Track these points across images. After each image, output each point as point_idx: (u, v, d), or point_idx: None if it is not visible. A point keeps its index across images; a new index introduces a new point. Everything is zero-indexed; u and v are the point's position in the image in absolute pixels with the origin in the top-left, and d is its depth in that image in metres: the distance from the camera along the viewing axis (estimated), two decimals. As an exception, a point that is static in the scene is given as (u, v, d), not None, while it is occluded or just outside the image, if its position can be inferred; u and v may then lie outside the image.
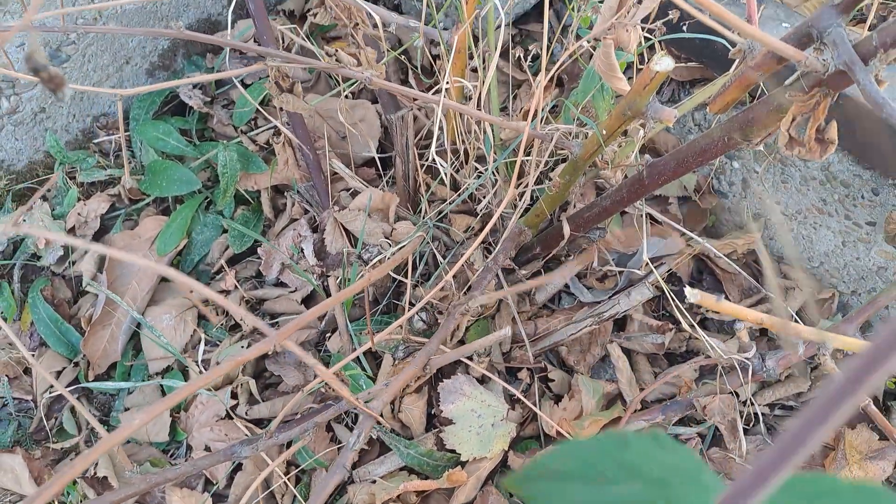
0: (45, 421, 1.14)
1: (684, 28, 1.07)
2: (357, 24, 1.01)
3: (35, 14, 0.86)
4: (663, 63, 0.74)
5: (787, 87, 0.71)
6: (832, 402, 0.18)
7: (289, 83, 0.88)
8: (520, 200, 1.07)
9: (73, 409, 1.15)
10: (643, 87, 0.77)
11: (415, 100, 1.25)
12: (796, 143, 0.70)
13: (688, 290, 0.63)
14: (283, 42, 1.41)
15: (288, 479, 1.03)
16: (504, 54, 1.30)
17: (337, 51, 0.82)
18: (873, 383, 0.18)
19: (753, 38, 0.60)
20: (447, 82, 0.98)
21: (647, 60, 1.13)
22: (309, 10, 1.54)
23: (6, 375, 1.17)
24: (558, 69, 0.95)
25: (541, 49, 0.93)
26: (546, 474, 0.22)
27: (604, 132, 0.86)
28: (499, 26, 1.26)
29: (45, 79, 0.34)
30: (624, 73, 0.87)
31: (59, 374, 1.17)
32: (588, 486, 0.22)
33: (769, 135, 0.76)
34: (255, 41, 1.46)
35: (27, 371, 1.19)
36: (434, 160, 1.11)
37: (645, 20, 0.86)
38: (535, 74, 1.33)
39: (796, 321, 1.20)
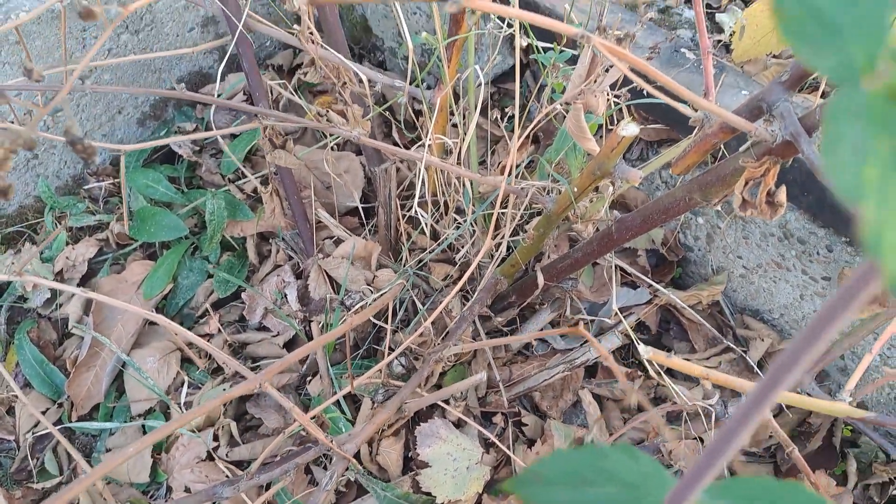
0: (27, 461, 1.16)
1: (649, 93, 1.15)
2: (345, 83, 1.07)
3: (39, 70, 0.91)
4: (629, 129, 0.80)
5: (741, 153, 0.77)
6: (737, 422, 0.23)
7: (281, 140, 0.93)
8: (496, 251, 1.13)
9: (55, 450, 1.17)
10: (611, 150, 0.83)
11: (396, 155, 1.31)
12: (749, 205, 0.76)
13: (641, 347, 0.68)
14: (272, 95, 1.47)
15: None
16: (483, 111, 1.37)
17: (328, 111, 0.87)
18: (761, 415, 0.24)
19: (708, 111, 0.67)
20: (429, 139, 1.04)
21: (615, 122, 1.21)
22: (297, 66, 1.60)
23: (-9, 415, 1.19)
24: (533, 128, 1.01)
25: (517, 109, 0.99)
26: (537, 479, 0.28)
27: (575, 190, 0.92)
28: (478, 85, 1.33)
29: (80, 150, 0.39)
30: (595, 134, 0.94)
31: (42, 414, 1.19)
32: (572, 488, 0.27)
33: (726, 196, 0.82)
34: (244, 93, 1.52)
35: (10, 411, 1.21)
36: (416, 211, 1.17)
37: (612, 86, 0.92)
38: (512, 132, 1.40)
39: (758, 371, 1.26)
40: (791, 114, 0.69)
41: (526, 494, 0.28)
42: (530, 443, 1.19)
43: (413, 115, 1.47)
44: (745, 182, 0.74)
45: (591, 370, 1.25)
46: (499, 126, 1.42)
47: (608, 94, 0.92)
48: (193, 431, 1.12)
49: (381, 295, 1.11)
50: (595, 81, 0.90)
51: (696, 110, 0.84)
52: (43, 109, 0.39)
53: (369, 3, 1.54)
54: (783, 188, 0.74)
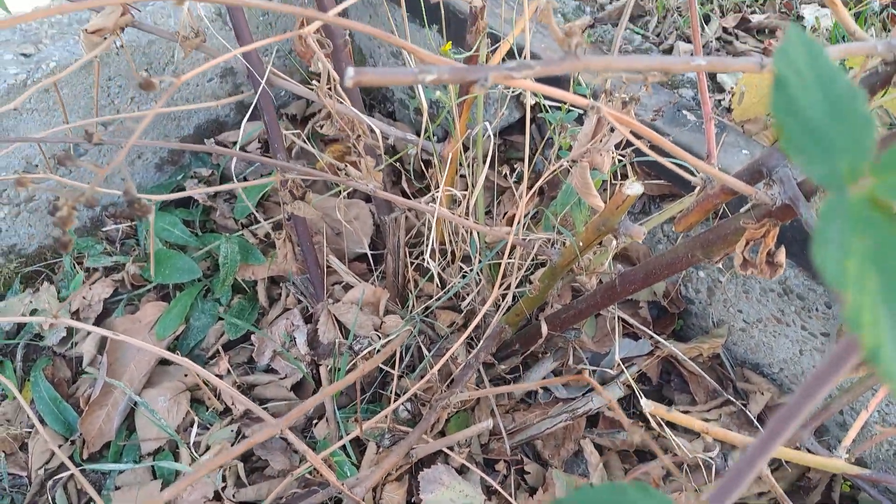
0: (38, 497, 1.18)
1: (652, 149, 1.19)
2: (359, 136, 1.11)
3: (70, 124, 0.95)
4: (634, 188, 0.84)
5: (742, 214, 0.81)
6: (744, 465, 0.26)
7: (301, 192, 0.97)
8: (502, 301, 1.16)
9: (66, 486, 1.19)
10: (616, 208, 0.87)
11: (409, 198, 1.35)
12: (750, 264, 0.79)
13: (643, 401, 0.71)
14: (286, 143, 1.51)
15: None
16: (490, 163, 1.41)
17: (346, 165, 0.91)
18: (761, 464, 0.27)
19: (711, 175, 0.70)
20: (439, 191, 1.08)
21: (619, 177, 1.25)
22: (310, 115, 1.65)
23: (3, 451, 1.21)
24: (539, 185, 1.05)
25: (523, 163, 1.03)
26: None
27: (580, 244, 0.96)
28: (486, 137, 1.38)
29: (137, 209, 0.43)
30: (599, 188, 0.98)
31: (53, 452, 1.22)
32: None
33: (727, 254, 0.86)
34: (258, 140, 1.57)
35: (23, 447, 1.23)
36: (426, 260, 1.20)
37: (617, 145, 0.96)
38: (518, 183, 1.44)
39: (758, 425, 1.28)
40: (790, 179, 0.73)
41: None
42: (532, 491, 1.20)
43: (422, 164, 1.52)
44: (746, 242, 0.78)
45: (593, 420, 1.28)
46: (506, 178, 1.46)
47: (613, 153, 0.96)
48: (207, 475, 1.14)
49: (389, 341, 1.13)
50: (601, 141, 0.94)
51: (699, 173, 0.88)
52: (102, 170, 0.42)
53: (381, 59, 1.60)
54: (782, 249, 0.77)
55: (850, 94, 0.27)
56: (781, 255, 0.78)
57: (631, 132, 0.71)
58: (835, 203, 0.23)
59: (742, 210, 0.81)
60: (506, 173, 1.12)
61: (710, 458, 1.14)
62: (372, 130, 1.12)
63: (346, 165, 0.90)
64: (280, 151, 1.08)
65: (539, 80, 0.41)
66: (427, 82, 0.32)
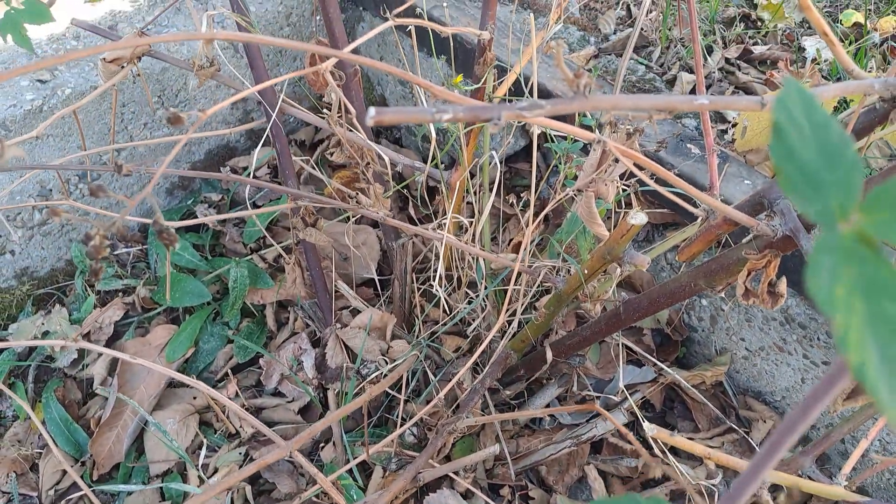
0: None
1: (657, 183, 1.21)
2: (368, 164, 1.14)
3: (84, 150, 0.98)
4: (638, 218, 0.86)
5: (744, 244, 0.82)
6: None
7: (313, 219, 0.99)
8: (508, 327, 1.17)
9: (75, 507, 1.20)
10: (621, 237, 0.89)
11: (418, 235, 1.37)
12: (751, 294, 0.81)
13: (646, 424, 0.72)
14: (294, 169, 1.54)
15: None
16: (496, 192, 1.44)
17: (358, 193, 0.93)
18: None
19: (711, 206, 0.72)
20: (447, 218, 1.10)
21: (623, 206, 1.27)
22: (319, 141, 1.68)
23: (14, 471, 1.22)
24: (544, 214, 1.07)
25: (529, 192, 1.05)
26: None
27: (585, 272, 0.97)
28: (492, 165, 1.40)
29: (165, 238, 0.45)
30: (603, 216, 1.00)
31: (64, 472, 1.23)
32: None
33: (729, 283, 0.87)
34: (268, 166, 1.60)
35: (33, 468, 1.24)
36: (432, 286, 1.22)
37: (622, 175, 0.98)
38: (524, 210, 1.46)
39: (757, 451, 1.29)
40: (791, 211, 0.75)
41: None
42: (536, 516, 1.21)
43: (428, 191, 1.54)
44: (748, 272, 0.79)
45: (597, 446, 1.29)
46: (512, 206, 1.49)
47: (618, 183, 0.98)
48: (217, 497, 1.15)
49: (396, 366, 1.15)
50: (605, 171, 0.96)
51: (702, 204, 0.90)
52: (131, 201, 0.44)
53: (388, 86, 1.63)
54: (784, 279, 0.79)
55: (841, 141, 0.30)
56: (783, 286, 0.80)
57: (635, 164, 0.73)
58: (827, 237, 0.26)
59: (744, 241, 0.83)
60: (512, 202, 1.14)
61: (713, 485, 1.15)
62: (381, 158, 1.15)
63: (357, 193, 0.92)
64: (291, 178, 1.11)
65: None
66: (444, 121, 0.34)
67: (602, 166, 0.97)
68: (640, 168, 0.99)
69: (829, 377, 0.27)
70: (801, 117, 0.29)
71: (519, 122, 1.44)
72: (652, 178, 0.73)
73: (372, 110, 0.33)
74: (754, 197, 0.80)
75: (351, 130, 1.14)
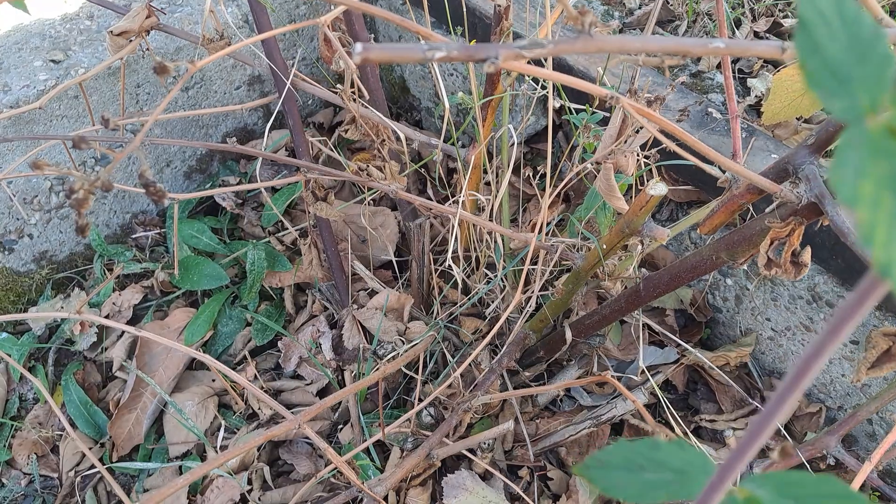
0: (69, 499, 1.20)
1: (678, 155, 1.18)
2: (384, 141, 1.12)
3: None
4: (658, 188, 0.83)
5: (767, 214, 0.80)
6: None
7: (323, 193, 0.98)
8: (526, 306, 1.15)
9: (95, 489, 1.20)
10: (640, 209, 0.86)
11: (431, 210, 1.36)
12: (774, 264, 0.78)
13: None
14: (313, 151, 1.53)
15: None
16: (515, 170, 1.42)
17: (368, 165, 0.92)
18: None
19: (735, 172, 0.70)
20: (463, 195, 1.08)
21: (644, 182, 1.24)
22: (337, 124, 1.67)
23: (35, 453, 1.23)
24: (565, 186, 1.05)
25: (545, 171, 1.03)
26: (601, 465, 0.33)
27: (604, 247, 0.95)
28: (511, 145, 1.38)
29: (153, 192, 0.43)
30: (624, 194, 0.97)
31: (84, 454, 1.23)
32: (630, 473, 0.32)
33: (751, 255, 0.85)
34: (286, 148, 1.59)
35: (54, 450, 1.25)
36: (449, 266, 1.20)
37: (643, 147, 0.96)
38: (544, 190, 1.44)
39: (785, 434, 1.26)
40: (816, 176, 0.72)
41: (591, 477, 0.33)
42: (555, 498, 1.19)
43: (447, 173, 1.52)
44: (771, 242, 0.77)
45: (618, 428, 1.26)
46: (531, 185, 1.46)
47: (638, 155, 0.95)
48: (230, 474, 1.14)
49: (413, 346, 1.14)
50: (625, 142, 0.94)
51: (725, 171, 0.87)
52: (119, 154, 0.43)
53: (408, 66, 1.61)
54: (808, 249, 0.76)
55: (873, 34, 0.28)
56: (806, 255, 0.77)
57: (658, 130, 0.71)
58: (853, 134, 0.24)
59: (767, 210, 0.80)
60: (529, 175, 1.11)
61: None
62: (396, 135, 1.13)
63: (368, 165, 0.91)
64: (304, 155, 1.10)
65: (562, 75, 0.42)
66: (436, 59, 0.32)
67: (621, 136, 0.95)
68: (665, 134, 0.96)
69: (842, 310, 0.26)
70: (829, 11, 0.27)
71: (539, 98, 1.42)
72: (675, 145, 0.70)
73: (358, 46, 0.31)
74: (779, 164, 0.77)
75: (366, 107, 1.13)
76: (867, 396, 1.21)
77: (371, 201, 1.50)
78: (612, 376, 1.22)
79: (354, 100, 1.08)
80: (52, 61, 1.24)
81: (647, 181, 0.85)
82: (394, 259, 1.40)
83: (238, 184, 1.54)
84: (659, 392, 1.10)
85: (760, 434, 0.28)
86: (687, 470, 0.33)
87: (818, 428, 1.24)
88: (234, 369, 1.34)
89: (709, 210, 0.89)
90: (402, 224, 1.41)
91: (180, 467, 1.21)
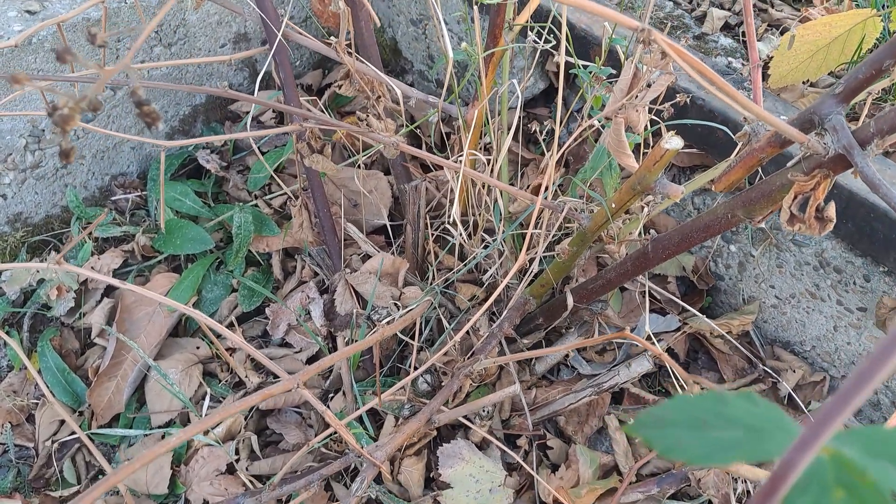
0: (45, 469, 1.15)
1: (690, 111, 1.14)
2: (379, 97, 1.07)
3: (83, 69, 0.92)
4: (673, 142, 0.79)
5: (789, 168, 0.76)
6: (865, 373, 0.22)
7: (320, 144, 0.93)
8: (528, 268, 1.11)
9: (74, 458, 1.15)
10: (653, 164, 0.82)
11: (427, 172, 1.31)
12: (797, 219, 0.74)
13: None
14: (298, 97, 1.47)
15: (287, 535, 1.04)
16: (514, 135, 1.37)
17: (368, 115, 0.87)
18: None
19: (762, 118, 0.65)
20: (463, 154, 1.03)
21: (652, 145, 1.20)
22: (326, 86, 1.61)
23: (9, 422, 1.17)
24: (569, 146, 1.00)
25: (552, 127, 0.98)
26: (659, 422, 0.28)
27: (613, 206, 0.91)
28: (510, 108, 1.33)
29: (145, 112, 0.38)
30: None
31: (62, 422, 1.18)
32: (693, 431, 0.28)
33: (770, 213, 0.81)
34: (273, 111, 1.53)
35: (30, 419, 1.19)
36: (445, 230, 1.16)
37: (654, 101, 0.91)
38: (542, 155, 1.39)
39: (788, 403, 1.23)
40: (844, 127, 0.68)
41: (647, 436, 0.28)
42: (554, 467, 1.16)
43: (443, 136, 1.47)
44: (794, 196, 0.73)
45: (618, 397, 1.23)
46: (532, 144, 1.42)
47: (649, 110, 0.91)
48: (218, 443, 1.10)
49: (410, 310, 1.09)
50: (636, 96, 0.89)
51: (735, 132, 0.83)
52: (107, 71, 0.38)
53: (400, 27, 1.55)
54: (832, 203, 0.73)
55: None
56: (831, 210, 0.73)
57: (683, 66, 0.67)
58: None
59: (789, 164, 0.76)
60: (535, 131, 1.06)
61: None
62: (392, 91, 1.08)
63: (367, 116, 0.86)
64: (296, 106, 1.04)
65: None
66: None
67: (633, 90, 0.90)
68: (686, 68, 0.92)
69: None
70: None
71: (538, 59, 1.37)
72: (698, 77, 0.66)
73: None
74: (804, 114, 0.73)
75: (361, 61, 1.08)
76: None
77: (363, 165, 1.45)
78: (614, 345, 1.19)
79: (349, 53, 1.03)
80: (28, 12, 1.18)
81: (656, 142, 0.81)
82: (387, 223, 1.35)
83: (223, 146, 1.48)
84: (665, 355, 1.06)
85: (873, 376, 0.24)
86: (762, 427, 0.29)
87: (822, 397, 1.21)
88: (219, 337, 1.29)
89: (725, 165, 0.85)
90: (396, 188, 1.36)
91: (163, 436, 1.16)
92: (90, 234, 1.35)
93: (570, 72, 1.00)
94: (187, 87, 0.79)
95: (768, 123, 0.67)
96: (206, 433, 1.13)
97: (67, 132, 0.36)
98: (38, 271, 1.31)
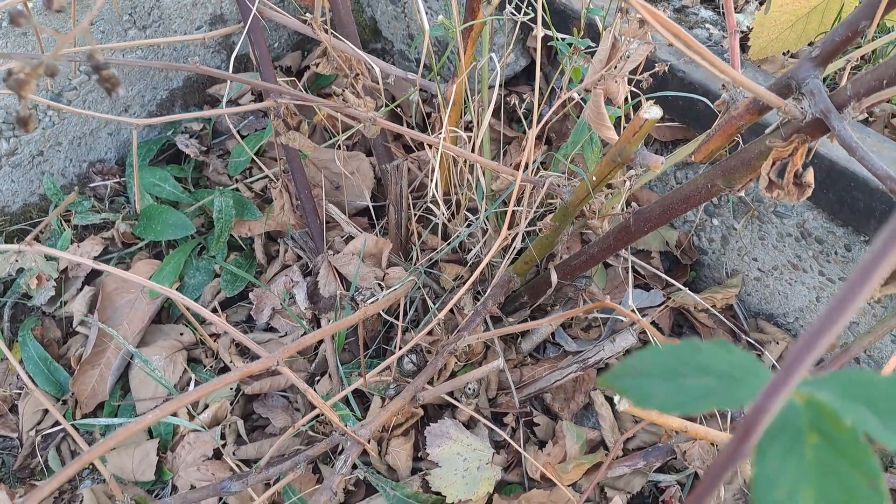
0: (30, 459, 1.14)
1: (668, 84, 1.14)
2: (357, 75, 1.06)
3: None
4: (652, 111, 0.79)
5: (768, 135, 0.76)
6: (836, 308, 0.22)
7: (296, 121, 0.92)
8: (510, 247, 1.11)
9: (58, 448, 1.14)
10: (633, 134, 0.82)
11: (411, 151, 1.30)
12: (776, 186, 0.74)
13: (617, 397, 0.67)
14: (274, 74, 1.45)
15: (274, 518, 1.03)
16: (495, 113, 1.36)
17: (344, 90, 0.86)
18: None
19: (739, 83, 0.65)
20: (444, 132, 1.02)
21: (633, 116, 1.19)
22: (305, 68, 1.60)
23: (-8, 412, 1.16)
24: (550, 118, 1.00)
25: (532, 100, 0.98)
26: (632, 372, 0.28)
27: (594, 179, 0.90)
28: (491, 86, 1.32)
29: (105, 77, 0.37)
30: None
31: (45, 412, 1.17)
32: (667, 381, 0.28)
33: (749, 181, 0.81)
34: (251, 93, 1.51)
35: (13, 409, 1.18)
36: (428, 209, 1.15)
37: (633, 72, 0.91)
38: (524, 133, 1.39)
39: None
40: (821, 91, 0.68)
41: (622, 387, 0.28)
42: (541, 444, 1.16)
43: (424, 115, 1.46)
44: (773, 162, 0.73)
45: (603, 373, 1.23)
46: (511, 128, 1.41)
47: (628, 81, 0.90)
48: (204, 428, 1.09)
49: (394, 290, 1.09)
50: (615, 67, 0.88)
51: (723, 91, 0.82)
52: (65, 36, 0.37)
53: (380, 6, 1.54)
54: (811, 169, 0.72)
55: None
56: (810, 176, 0.73)
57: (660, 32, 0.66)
58: None
59: (768, 131, 0.76)
60: (515, 103, 1.06)
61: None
62: (371, 70, 1.07)
63: (343, 91, 0.85)
64: (271, 80, 1.03)
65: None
66: None
67: (612, 61, 0.90)
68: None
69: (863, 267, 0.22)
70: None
71: (518, 37, 1.36)
72: (677, 44, 0.66)
73: None
74: (781, 80, 0.73)
75: (339, 38, 1.06)
76: (854, 335, 1.19)
77: (345, 147, 1.44)
78: (599, 321, 1.19)
79: (326, 31, 1.02)
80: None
81: (637, 112, 0.80)
82: (370, 204, 1.34)
83: (202, 129, 1.47)
84: (650, 328, 1.06)
85: (845, 308, 0.24)
86: (734, 374, 0.28)
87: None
88: (203, 323, 1.28)
89: (704, 136, 0.84)
90: (378, 169, 1.35)
91: (150, 427, 1.15)
92: (68, 221, 1.34)
93: (550, 44, 1.00)
94: (160, 64, 0.78)
95: (745, 88, 0.67)
96: (191, 418, 1.13)
97: (25, 98, 0.35)
98: (16, 260, 1.29)
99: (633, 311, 1.08)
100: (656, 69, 0.89)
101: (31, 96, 0.38)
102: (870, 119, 1.19)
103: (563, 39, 0.99)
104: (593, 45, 1.08)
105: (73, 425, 1.12)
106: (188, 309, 0.86)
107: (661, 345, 0.99)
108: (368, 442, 0.77)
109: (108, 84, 0.38)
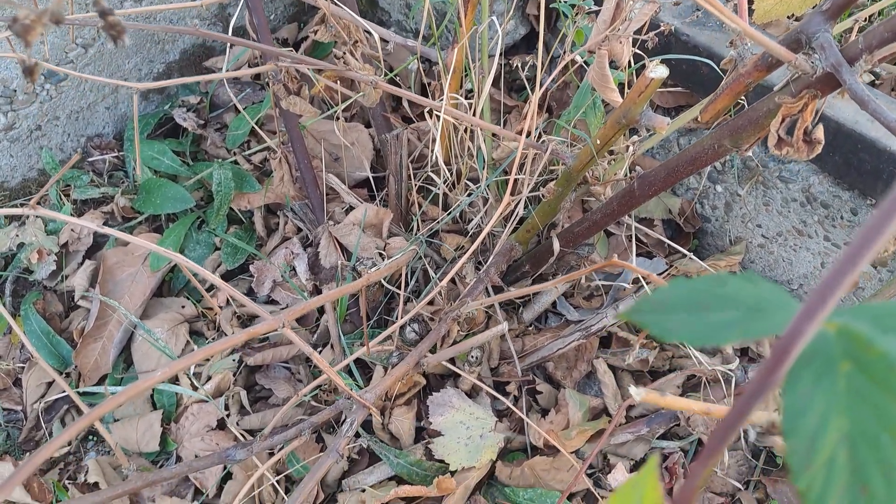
0: (35, 431, 1.13)
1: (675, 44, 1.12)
2: (356, 42, 1.04)
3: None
4: (658, 70, 0.78)
5: (776, 92, 0.75)
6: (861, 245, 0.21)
7: (297, 85, 0.91)
8: (512, 216, 1.10)
9: (63, 419, 1.14)
10: (638, 95, 0.81)
11: (410, 122, 1.29)
12: (785, 143, 0.73)
13: (632, 388, 0.66)
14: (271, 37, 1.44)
15: (278, 484, 1.03)
16: (494, 82, 1.35)
17: (345, 53, 0.85)
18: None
19: (750, 35, 0.64)
20: (445, 98, 1.01)
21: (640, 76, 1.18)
22: (302, 39, 1.58)
23: (-5, 386, 1.16)
24: (553, 81, 0.99)
25: (534, 62, 0.97)
26: (656, 306, 0.27)
27: (598, 142, 0.90)
28: (491, 55, 1.31)
29: (110, 24, 0.36)
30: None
31: (49, 385, 1.17)
32: (692, 314, 0.27)
33: (757, 140, 0.80)
34: (248, 65, 1.50)
35: (17, 383, 1.18)
36: (429, 179, 1.14)
37: (637, 32, 0.90)
38: (526, 101, 1.37)
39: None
40: (832, 44, 0.67)
41: (645, 321, 0.27)
42: (544, 412, 1.16)
43: (422, 90, 1.45)
44: (782, 119, 0.72)
45: (606, 341, 1.23)
46: (511, 97, 1.40)
47: (633, 43, 0.89)
48: (208, 398, 1.09)
49: (396, 259, 1.08)
50: (619, 28, 0.87)
51: (730, 49, 0.81)
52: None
53: (377, -24, 1.52)
54: (821, 126, 0.71)
55: None
56: (820, 132, 0.72)
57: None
58: None
59: (776, 88, 0.75)
60: (518, 66, 1.04)
61: (730, 370, 1.09)
62: (370, 38, 1.06)
63: (344, 53, 0.83)
64: (269, 45, 1.01)
65: None
66: None
67: (616, 21, 0.88)
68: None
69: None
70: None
71: (519, 4, 1.34)
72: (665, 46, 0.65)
73: None
74: (791, 34, 0.72)
75: (337, 4, 1.05)
76: (860, 300, 1.18)
77: (344, 118, 1.42)
78: (602, 284, 1.18)
79: (324, -4, 1.00)
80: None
81: (647, 67, 0.79)
82: (370, 175, 1.33)
83: (199, 103, 1.46)
84: (656, 278, 1.05)
85: (871, 242, 0.23)
86: (761, 306, 0.28)
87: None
88: (206, 292, 1.27)
89: (711, 96, 0.83)
90: (377, 140, 1.34)
91: (153, 395, 1.15)
92: (67, 195, 1.33)
93: (552, 6, 0.98)
94: (160, 28, 0.77)
95: (756, 42, 0.66)
96: (195, 389, 1.12)
97: (30, 44, 0.34)
98: (17, 235, 1.29)
99: (636, 280, 1.07)
100: (661, 28, 0.88)
101: (35, 60, 0.37)
102: (876, 82, 1.18)
103: (565, 1, 0.98)
104: (596, 6, 1.07)
105: (77, 393, 1.11)
106: (194, 275, 0.85)
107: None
108: (374, 405, 0.76)
109: (114, 31, 0.37)
